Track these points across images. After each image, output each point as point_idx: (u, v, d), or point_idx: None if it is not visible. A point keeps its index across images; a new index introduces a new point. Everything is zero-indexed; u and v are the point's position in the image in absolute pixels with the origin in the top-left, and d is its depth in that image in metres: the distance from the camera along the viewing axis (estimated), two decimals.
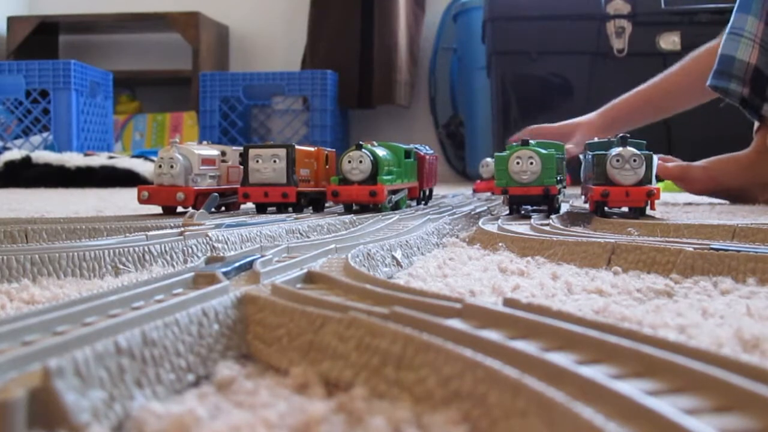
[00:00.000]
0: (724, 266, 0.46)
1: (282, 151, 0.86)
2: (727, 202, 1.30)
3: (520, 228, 0.68)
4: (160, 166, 0.83)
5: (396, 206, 0.92)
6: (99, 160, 2.38)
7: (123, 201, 1.43)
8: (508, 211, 0.87)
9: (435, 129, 3.28)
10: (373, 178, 0.86)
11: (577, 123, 1.58)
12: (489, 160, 1.59)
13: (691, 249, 0.48)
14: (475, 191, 1.59)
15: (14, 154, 2.41)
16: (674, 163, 1.33)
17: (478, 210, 0.96)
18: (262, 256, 0.43)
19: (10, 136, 2.75)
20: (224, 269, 0.37)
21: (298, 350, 0.27)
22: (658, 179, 1.20)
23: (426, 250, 0.61)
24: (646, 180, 0.76)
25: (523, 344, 0.23)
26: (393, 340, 0.24)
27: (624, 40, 2.35)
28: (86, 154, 2.45)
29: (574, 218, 0.82)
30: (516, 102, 2.48)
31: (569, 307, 0.37)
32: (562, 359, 0.21)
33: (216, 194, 0.79)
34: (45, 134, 2.69)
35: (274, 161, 0.86)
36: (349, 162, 0.86)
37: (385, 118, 3.33)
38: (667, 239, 0.56)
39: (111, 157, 2.42)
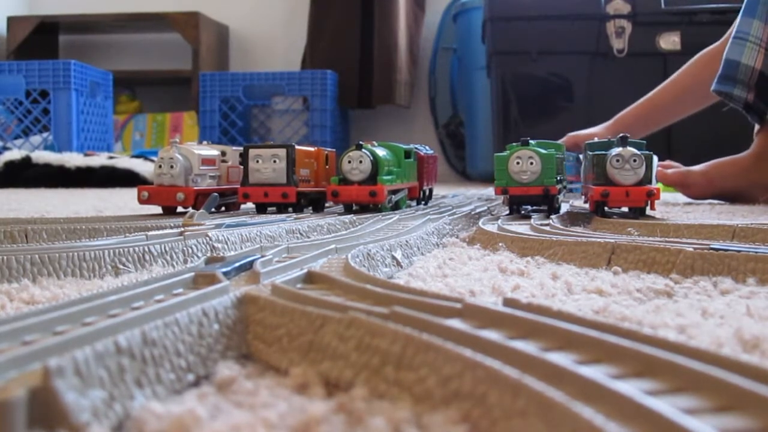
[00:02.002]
0: (724, 266, 0.46)
1: (282, 151, 0.86)
2: (727, 203, 1.30)
3: (520, 228, 0.68)
4: (160, 166, 0.83)
5: (396, 206, 0.92)
6: (99, 160, 2.38)
7: (123, 201, 1.43)
8: (508, 211, 0.87)
9: (435, 129, 3.28)
10: (373, 178, 0.86)
11: (586, 134, 1.56)
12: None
13: (691, 249, 0.48)
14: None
15: (14, 154, 2.40)
16: (673, 169, 1.33)
17: (478, 210, 0.96)
18: (262, 257, 0.43)
19: (10, 136, 2.75)
20: (224, 269, 0.37)
21: (298, 350, 0.27)
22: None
23: (426, 250, 0.61)
24: (646, 180, 0.76)
25: (523, 344, 0.23)
26: (393, 340, 0.24)
27: (624, 40, 2.35)
28: (86, 154, 2.45)
29: (574, 218, 0.82)
30: (516, 102, 2.48)
31: (569, 307, 0.37)
32: (562, 359, 0.21)
33: (216, 194, 0.79)
34: (45, 134, 2.70)
35: (274, 161, 0.86)
36: (349, 162, 0.86)
37: (385, 118, 3.33)
38: (667, 239, 0.56)
39: (111, 157, 2.42)
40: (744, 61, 1.22)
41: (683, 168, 1.34)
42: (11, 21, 3.27)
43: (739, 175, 1.28)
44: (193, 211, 0.72)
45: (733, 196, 1.31)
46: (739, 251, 0.46)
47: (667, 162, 1.38)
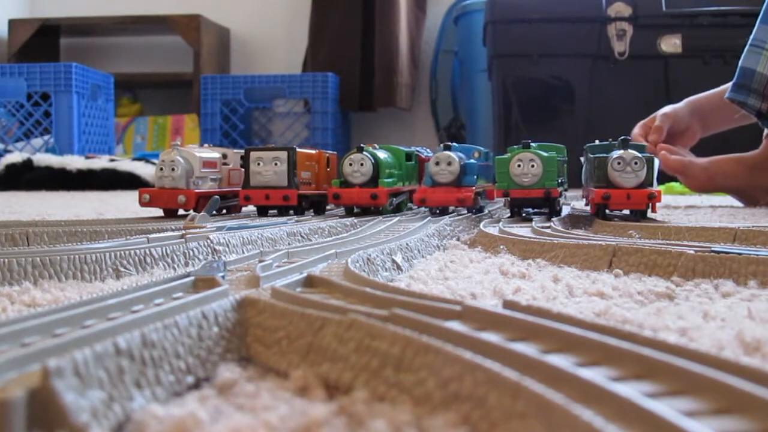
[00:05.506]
0: (725, 269, 0.46)
1: (283, 154, 0.86)
2: (731, 198, 1.30)
3: (522, 231, 0.68)
4: (161, 169, 0.83)
5: (397, 209, 0.92)
6: (100, 162, 2.38)
7: (124, 204, 1.43)
8: (509, 214, 0.87)
9: (436, 131, 3.29)
10: (374, 180, 0.86)
11: (663, 112, 1.48)
12: (449, 154, 0.88)
13: (692, 252, 0.48)
14: (419, 204, 0.88)
15: (15, 156, 2.41)
16: (678, 156, 1.31)
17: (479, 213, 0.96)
18: (262, 261, 0.43)
19: (12, 139, 2.76)
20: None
21: (297, 352, 0.27)
22: (661, 175, 1.18)
23: (427, 252, 0.61)
24: (647, 182, 0.76)
25: (523, 346, 0.23)
26: (392, 341, 0.24)
27: (625, 43, 2.35)
28: (87, 157, 2.45)
29: (576, 221, 0.82)
30: (517, 104, 2.48)
31: (570, 309, 0.37)
32: (561, 361, 0.21)
33: (217, 197, 0.79)
34: (46, 137, 2.70)
35: (276, 164, 0.86)
36: (351, 165, 0.86)
37: (387, 120, 3.33)
38: (668, 242, 0.56)
39: (112, 160, 2.43)
40: (759, 69, 1.21)
41: (686, 158, 1.33)
42: (13, 24, 3.28)
43: (742, 175, 1.28)
44: (195, 213, 0.72)
45: (733, 194, 1.31)
46: (740, 254, 0.46)
47: (675, 148, 1.36)
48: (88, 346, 0.22)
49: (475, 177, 0.88)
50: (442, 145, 0.89)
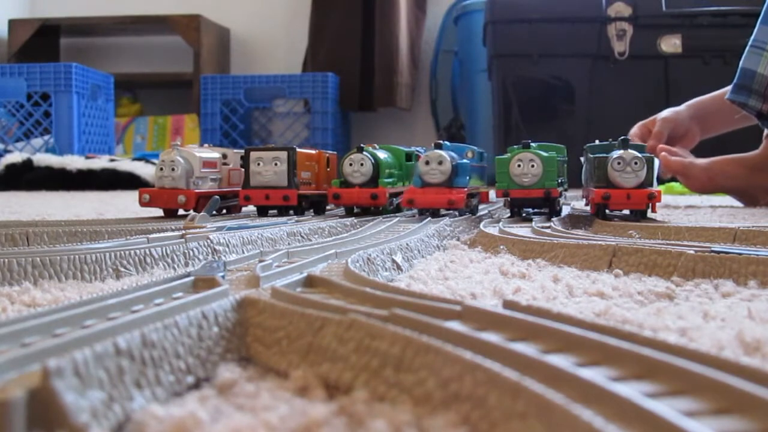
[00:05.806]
0: (725, 269, 0.46)
1: (283, 154, 0.86)
2: (731, 198, 1.30)
3: (522, 231, 0.68)
4: (161, 169, 0.83)
5: (398, 209, 0.92)
6: (100, 162, 2.38)
7: (124, 204, 1.43)
8: (509, 214, 0.86)
9: (436, 131, 3.29)
10: (374, 180, 0.86)
11: (663, 116, 1.47)
12: (440, 152, 0.83)
13: (692, 252, 0.48)
14: (407, 205, 0.83)
15: (15, 157, 2.41)
16: (678, 157, 1.31)
17: (479, 213, 0.96)
18: (262, 261, 0.43)
19: (12, 139, 2.76)
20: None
21: (297, 352, 0.27)
22: (660, 179, 1.18)
23: (427, 252, 0.61)
24: (647, 183, 0.76)
25: (523, 346, 0.23)
26: (392, 342, 0.24)
27: (625, 43, 2.35)
28: (87, 157, 2.46)
29: (576, 221, 0.82)
30: (517, 104, 2.48)
31: (570, 309, 0.37)
32: (561, 361, 0.21)
33: (217, 197, 0.79)
34: (46, 137, 2.70)
35: (276, 164, 0.86)
36: (351, 165, 0.86)
37: (387, 120, 3.33)
38: (668, 242, 0.56)
39: (112, 160, 2.43)
40: (760, 70, 1.21)
41: (687, 158, 1.33)
42: (13, 24, 3.28)
43: (742, 175, 1.28)
44: (195, 213, 0.72)
45: (733, 195, 1.31)
46: (740, 254, 0.46)
47: (675, 149, 1.36)
48: (88, 346, 0.22)
49: (468, 178, 0.84)
50: (433, 143, 0.84)
